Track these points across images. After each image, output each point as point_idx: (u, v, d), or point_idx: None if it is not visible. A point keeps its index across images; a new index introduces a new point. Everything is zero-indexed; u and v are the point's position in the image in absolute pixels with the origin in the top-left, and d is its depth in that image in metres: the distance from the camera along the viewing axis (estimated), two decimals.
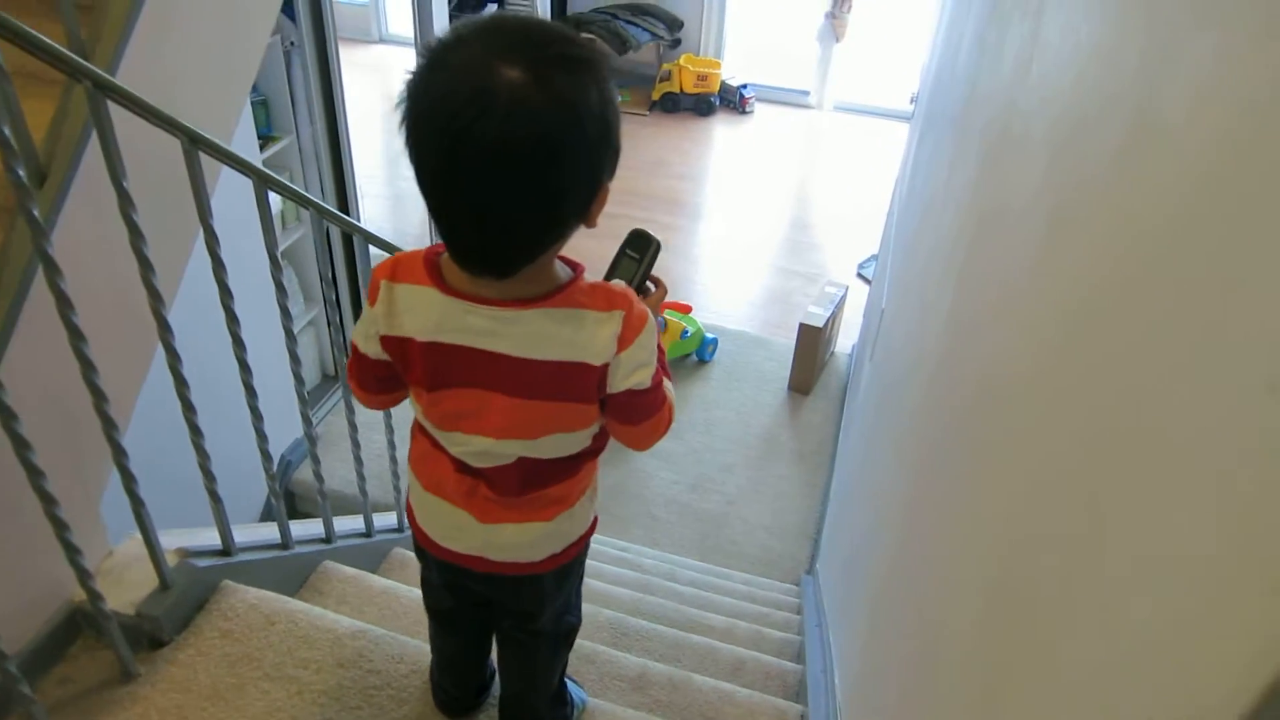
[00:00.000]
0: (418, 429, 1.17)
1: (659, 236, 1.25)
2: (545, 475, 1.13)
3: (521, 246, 0.91)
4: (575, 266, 1.02)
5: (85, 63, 1.20)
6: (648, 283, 1.23)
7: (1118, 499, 0.58)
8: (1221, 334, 0.48)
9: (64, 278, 1.21)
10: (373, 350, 1.06)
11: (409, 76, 0.85)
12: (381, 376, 1.11)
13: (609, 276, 1.22)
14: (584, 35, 5.97)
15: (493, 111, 0.80)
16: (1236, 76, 0.50)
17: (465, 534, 1.17)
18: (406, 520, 1.28)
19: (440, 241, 0.96)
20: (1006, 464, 0.88)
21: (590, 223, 0.94)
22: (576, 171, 0.87)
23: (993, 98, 1.35)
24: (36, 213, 1.16)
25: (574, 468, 1.15)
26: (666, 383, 1.13)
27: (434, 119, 0.83)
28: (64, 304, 1.22)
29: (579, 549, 1.24)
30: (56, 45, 1.16)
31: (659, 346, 1.20)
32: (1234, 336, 0.46)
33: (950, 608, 1.00)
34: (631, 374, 1.01)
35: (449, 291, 0.97)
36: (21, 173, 1.13)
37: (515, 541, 1.17)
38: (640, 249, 1.23)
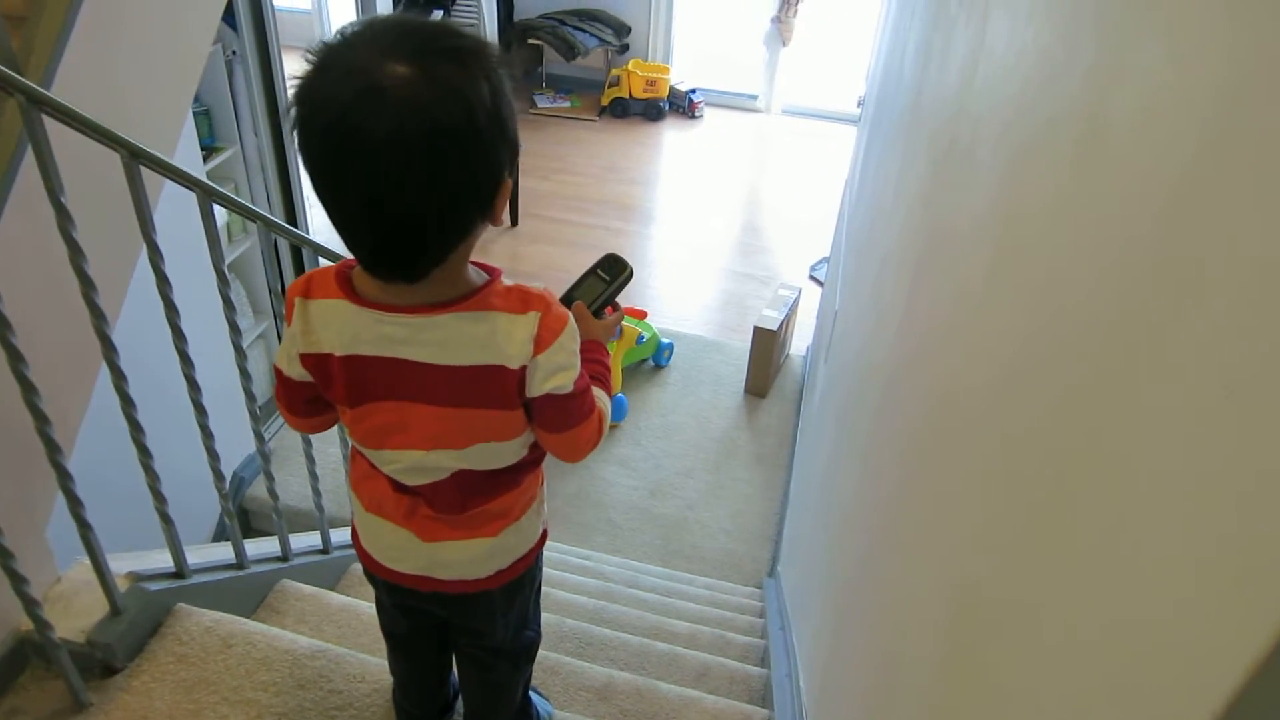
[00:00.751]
0: (356, 450, 1.15)
1: (626, 258, 1.26)
2: (484, 489, 1.11)
3: (423, 246, 0.89)
4: (492, 271, 1.00)
5: (18, 76, 1.17)
6: (607, 308, 1.23)
7: (1077, 511, 0.59)
8: (1176, 341, 0.48)
9: (1, 298, 1.17)
10: (295, 372, 1.04)
11: (296, 81, 0.83)
12: (308, 399, 1.09)
13: (572, 291, 1.22)
14: (530, 41, 5.90)
15: (383, 107, 0.79)
16: (1186, 85, 0.51)
17: (408, 554, 1.16)
18: (351, 541, 1.25)
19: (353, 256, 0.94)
20: (967, 472, 0.89)
21: (496, 220, 0.93)
22: (472, 164, 0.86)
23: (940, 104, 1.37)
24: None
25: (514, 480, 1.14)
26: (600, 392, 1.12)
27: (323, 119, 0.82)
28: (2, 325, 1.18)
29: (528, 564, 1.23)
30: None
31: (607, 360, 1.19)
32: (1189, 342, 0.47)
33: (914, 612, 1.01)
34: (550, 377, 0.99)
35: (361, 302, 0.96)
36: None
37: (460, 559, 1.15)
38: (612, 273, 1.23)
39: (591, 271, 1.25)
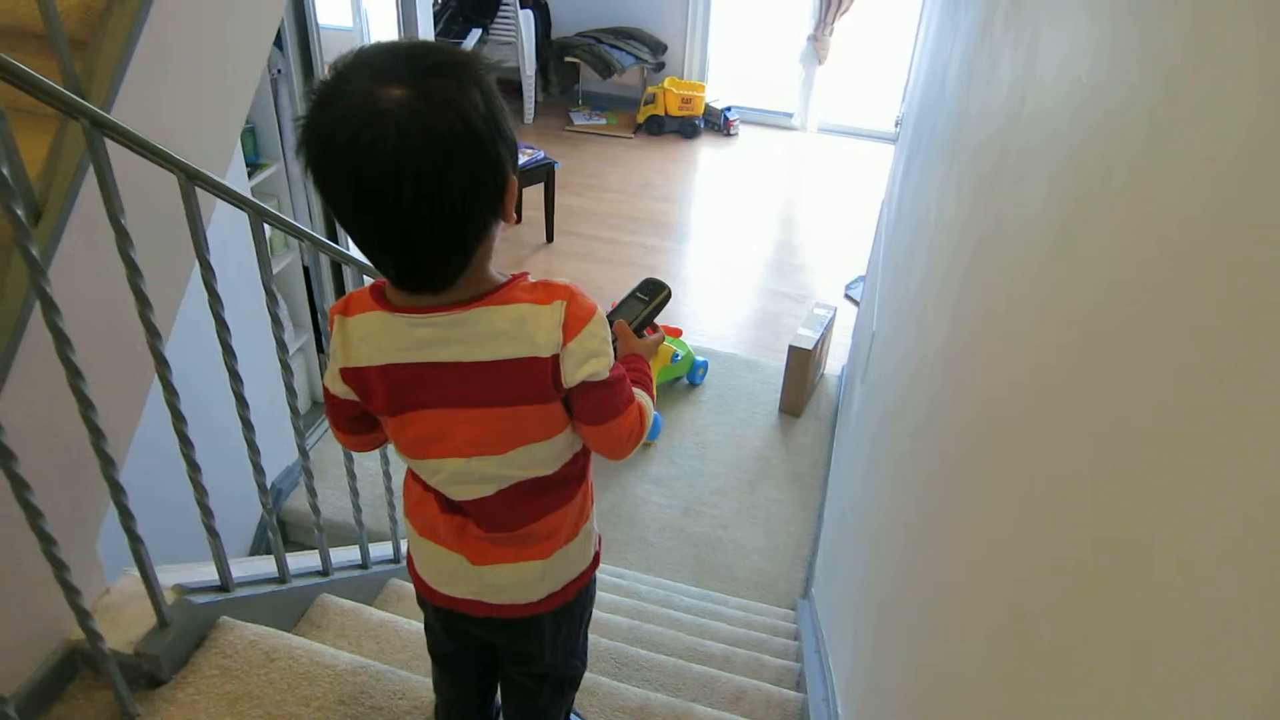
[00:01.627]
0: (410, 475, 1.17)
1: (664, 279, 1.30)
2: (532, 505, 1.12)
3: (445, 255, 0.93)
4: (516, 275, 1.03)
5: (82, 101, 1.20)
6: (647, 328, 1.27)
7: (1137, 526, 0.59)
8: (1235, 357, 0.48)
9: (61, 316, 1.20)
10: (340, 389, 1.07)
11: (301, 120, 0.88)
12: (352, 416, 1.12)
13: (613, 313, 1.25)
14: (568, 59, 5.96)
15: (386, 131, 0.84)
16: (1245, 118, 0.51)
17: (460, 578, 1.17)
18: (405, 563, 1.28)
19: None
20: (1016, 494, 0.88)
21: (508, 218, 0.96)
22: (478, 168, 0.89)
23: (985, 129, 1.36)
24: (35, 251, 1.16)
25: (561, 496, 1.15)
26: (642, 393, 1.14)
27: (333, 153, 0.86)
28: (62, 342, 1.21)
29: (580, 586, 1.23)
30: (54, 84, 1.16)
31: (649, 371, 1.21)
32: (1249, 360, 0.47)
33: (959, 639, 1.00)
34: (585, 363, 1.00)
35: (393, 309, 0.99)
36: (19, 211, 1.13)
37: (511, 582, 1.16)
38: (650, 293, 1.28)
39: (631, 294, 1.30)
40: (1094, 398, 0.70)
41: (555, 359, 0.99)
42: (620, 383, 1.08)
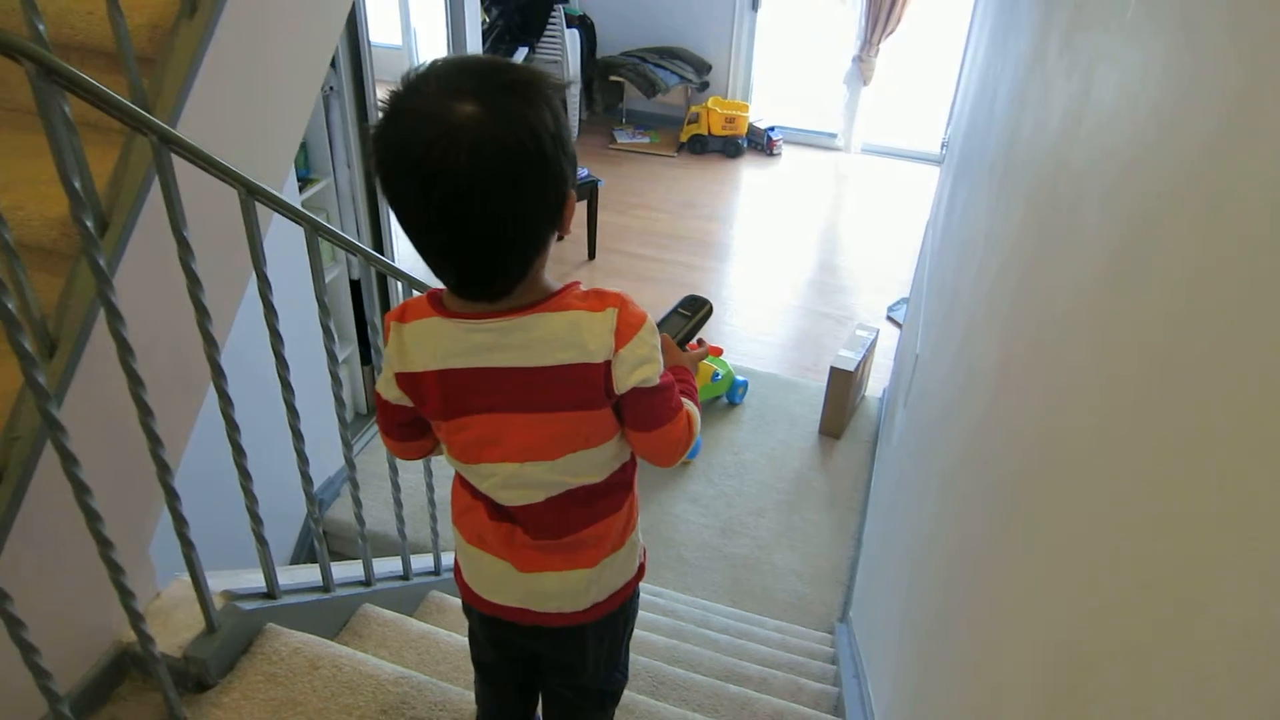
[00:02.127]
0: (458, 481, 1.18)
1: (710, 299, 1.34)
2: (579, 512, 1.13)
3: (505, 265, 0.96)
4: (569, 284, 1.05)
5: (150, 117, 1.24)
6: (690, 344, 1.30)
7: (1200, 570, 0.58)
8: None
9: (125, 324, 1.23)
10: (392, 395, 1.09)
11: (372, 130, 0.91)
12: (403, 422, 1.14)
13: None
14: (612, 78, 6.00)
15: (456, 145, 0.86)
16: None
17: (507, 585, 1.18)
18: (453, 575, 1.29)
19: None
20: (1071, 521, 0.88)
21: (565, 230, 0.99)
22: (542, 185, 0.92)
23: (1038, 156, 1.36)
24: (102, 261, 1.19)
25: (608, 505, 1.16)
26: (689, 403, 1.15)
27: (404, 164, 0.90)
28: (125, 350, 1.24)
29: (625, 597, 1.24)
30: (125, 100, 1.19)
31: (694, 382, 1.22)
32: None
33: (1009, 670, 0.99)
34: (636, 369, 1.02)
35: (450, 315, 1.02)
36: (89, 223, 1.16)
37: (558, 590, 1.17)
38: (692, 309, 1.31)
39: (674, 310, 1.33)
40: (1159, 432, 0.69)
41: (607, 365, 1.01)
42: (670, 389, 1.10)
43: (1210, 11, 0.71)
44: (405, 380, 1.07)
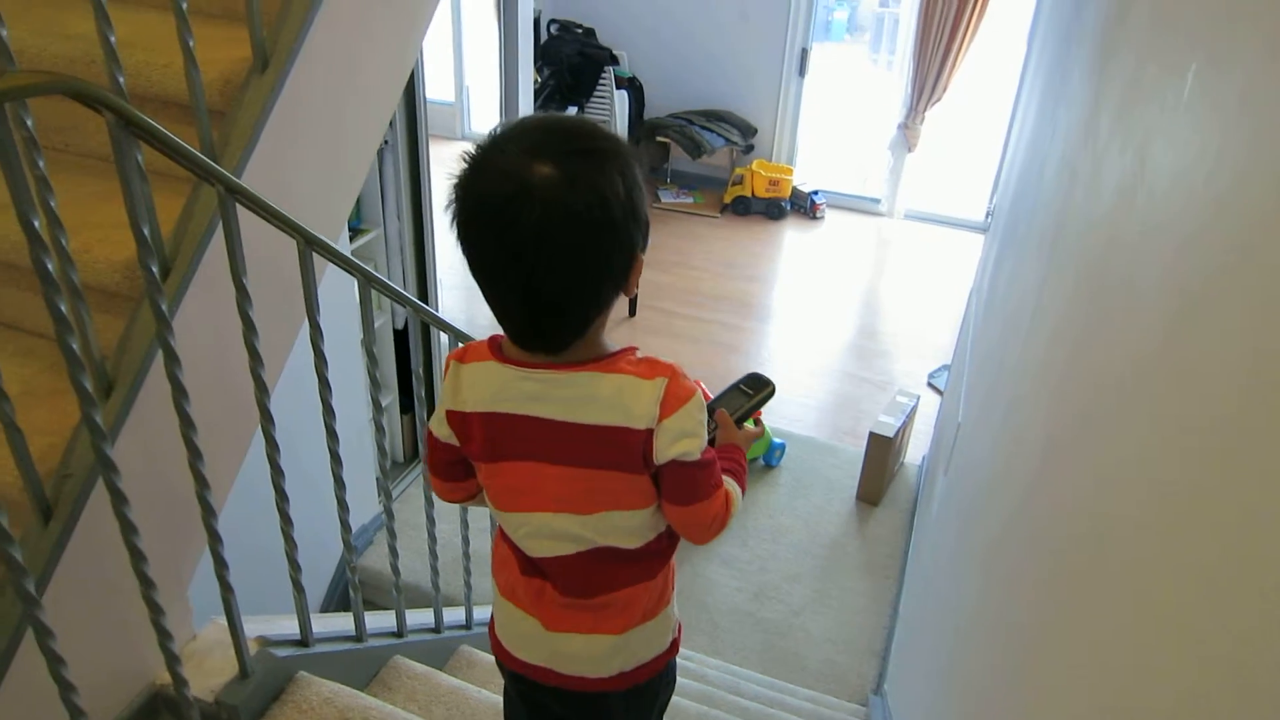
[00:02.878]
0: (499, 533, 1.19)
1: (771, 379, 1.34)
2: (612, 574, 1.13)
3: (567, 322, 0.99)
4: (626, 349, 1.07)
5: (218, 167, 1.28)
6: (749, 421, 1.30)
7: (1265, 659, 0.56)
8: None
9: (181, 367, 1.26)
10: (443, 433, 1.11)
11: (455, 180, 0.95)
12: (450, 461, 1.16)
13: (715, 402, 1.27)
14: (658, 139, 6.08)
15: (530, 205, 0.90)
16: None
17: (533, 643, 1.18)
18: (475, 629, 1.29)
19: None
20: (1121, 613, 0.85)
21: (629, 292, 1.02)
22: (609, 250, 0.96)
23: (1090, 225, 1.35)
24: (164, 305, 1.22)
25: (641, 571, 1.15)
26: (730, 481, 1.15)
27: (481, 217, 0.94)
28: (179, 393, 1.26)
29: (654, 671, 1.22)
30: (195, 151, 1.24)
31: (744, 462, 1.21)
32: None
33: None
34: (677, 441, 1.02)
35: (506, 361, 1.04)
36: (154, 268, 1.19)
37: (581, 653, 1.16)
38: (755, 387, 1.31)
39: (735, 386, 1.33)
40: (1214, 515, 0.68)
41: (649, 433, 1.01)
42: (710, 466, 1.09)
43: (1268, 91, 0.71)
44: (455, 419, 1.09)
